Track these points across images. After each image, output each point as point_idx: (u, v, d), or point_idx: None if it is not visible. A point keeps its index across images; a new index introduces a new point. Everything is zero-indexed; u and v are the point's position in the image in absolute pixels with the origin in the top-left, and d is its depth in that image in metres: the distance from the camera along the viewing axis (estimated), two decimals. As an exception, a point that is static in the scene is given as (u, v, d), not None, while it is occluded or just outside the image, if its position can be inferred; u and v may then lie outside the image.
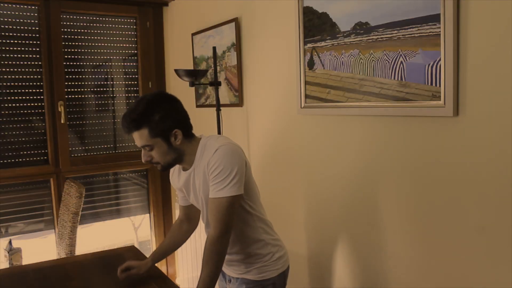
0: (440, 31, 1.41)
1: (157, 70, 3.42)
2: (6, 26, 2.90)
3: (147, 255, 1.85)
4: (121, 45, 3.36)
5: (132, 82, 3.40)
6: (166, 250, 1.82)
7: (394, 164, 1.65)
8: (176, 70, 2.44)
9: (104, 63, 3.33)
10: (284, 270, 1.67)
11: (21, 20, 2.94)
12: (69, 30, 3.12)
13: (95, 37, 3.27)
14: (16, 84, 2.95)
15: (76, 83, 3.17)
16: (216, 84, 2.54)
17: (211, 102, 2.86)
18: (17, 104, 2.96)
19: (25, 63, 2.97)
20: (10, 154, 2.95)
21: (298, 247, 2.18)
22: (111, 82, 3.38)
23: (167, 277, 1.76)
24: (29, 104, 2.99)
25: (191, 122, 1.56)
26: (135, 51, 3.38)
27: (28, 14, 2.96)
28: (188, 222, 1.81)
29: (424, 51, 1.48)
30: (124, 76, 3.41)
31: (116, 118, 3.39)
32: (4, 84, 2.94)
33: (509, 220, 1.30)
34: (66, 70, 3.09)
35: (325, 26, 1.87)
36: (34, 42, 2.98)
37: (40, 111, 3.02)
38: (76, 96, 3.17)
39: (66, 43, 3.10)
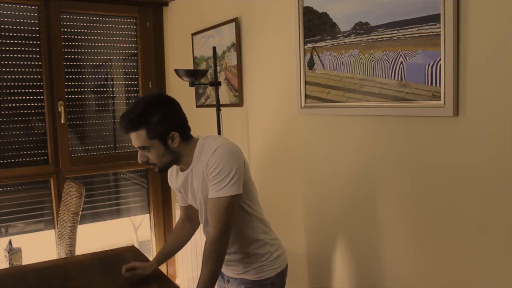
0: (440, 31, 1.41)
1: (157, 70, 3.42)
2: (6, 26, 2.90)
3: (147, 255, 1.86)
4: (121, 45, 3.36)
5: (132, 82, 3.40)
6: (170, 251, 1.82)
7: (394, 164, 1.65)
8: (176, 70, 2.44)
9: (104, 63, 3.33)
10: (283, 269, 1.68)
11: (21, 20, 2.94)
12: (69, 30, 3.12)
13: (95, 37, 3.27)
14: (16, 84, 2.95)
15: (76, 83, 3.17)
16: (216, 84, 2.54)
17: (211, 102, 2.86)
18: (17, 104, 2.96)
19: (25, 63, 2.97)
20: (10, 154, 2.95)
21: (297, 247, 2.18)
22: (111, 82, 3.38)
23: (167, 277, 1.76)
24: (29, 104, 2.99)
25: (190, 123, 1.57)
26: (135, 51, 3.38)
27: (28, 14, 2.96)
28: (189, 222, 1.81)
29: (424, 51, 1.48)
30: (124, 76, 3.41)
31: (116, 118, 3.39)
32: (4, 84, 2.94)
33: (509, 220, 1.29)
34: (66, 70, 3.09)
35: (325, 26, 1.87)
36: (34, 42, 2.98)
37: (40, 111, 3.02)
38: (76, 96, 3.17)
39: (66, 43, 3.10)
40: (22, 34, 2.95)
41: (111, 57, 3.33)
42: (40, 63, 3.00)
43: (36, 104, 3.01)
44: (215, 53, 2.54)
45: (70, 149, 3.13)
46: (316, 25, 1.91)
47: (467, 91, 1.38)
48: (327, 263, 2.02)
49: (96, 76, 3.31)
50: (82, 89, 3.22)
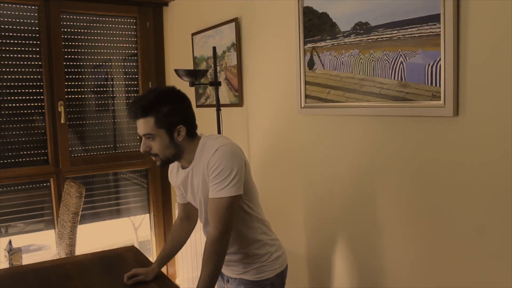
0: (440, 31, 1.41)
1: (157, 70, 3.42)
2: (6, 26, 2.90)
3: (147, 255, 1.85)
4: (121, 45, 3.36)
5: (132, 82, 3.40)
6: (170, 253, 1.81)
7: (394, 164, 1.65)
8: (176, 70, 2.44)
9: (104, 63, 3.33)
10: (282, 270, 1.67)
11: (21, 20, 2.95)
12: (69, 30, 3.12)
13: (95, 37, 3.28)
14: (16, 84, 2.95)
15: (76, 83, 3.18)
16: (216, 84, 2.54)
17: (211, 102, 2.86)
18: (17, 104, 2.96)
19: (25, 63, 2.97)
20: (10, 154, 2.95)
21: (297, 247, 2.18)
22: (111, 82, 3.38)
23: (167, 277, 1.76)
24: (29, 104, 2.99)
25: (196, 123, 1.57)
26: (135, 51, 3.38)
27: (28, 14, 2.96)
28: (188, 220, 1.81)
29: (424, 51, 1.48)
30: (124, 76, 3.41)
31: (116, 118, 3.39)
32: (4, 84, 2.94)
33: (509, 220, 1.29)
34: (66, 70, 3.09)
35: (325, 26, 1.87)
36: (34, 42, 2.98)
37: (40, 111, 3.02)
38: (76, 96, 3.18)
39: (66, 43, 3.10)
40: (22, 34, 2.95)
41: (111, 57, 3.33)
42: (40, 63, 3.00)
43: (36, 104, 3.01)
44: (215, 53, 2.54)
45: (70, 149, 3.13)
46: (316, 25, 1.91)
47: (467, 91, 1.38)
48: (327, 263, 2.02)
49: (96, 76, 3.31)
50: (82, 89, 3.22)
